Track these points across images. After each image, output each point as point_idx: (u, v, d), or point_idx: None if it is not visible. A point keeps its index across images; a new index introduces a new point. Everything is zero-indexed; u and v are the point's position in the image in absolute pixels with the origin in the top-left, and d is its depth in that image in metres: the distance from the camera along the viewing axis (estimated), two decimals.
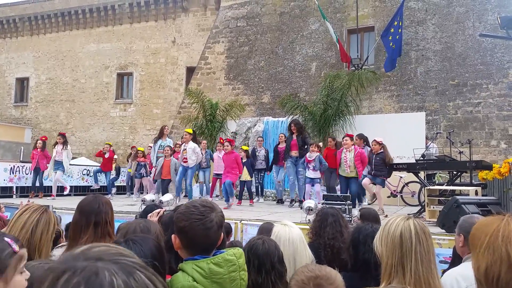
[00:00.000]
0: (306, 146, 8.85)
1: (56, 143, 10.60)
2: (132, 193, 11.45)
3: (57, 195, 10.47)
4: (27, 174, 10.96)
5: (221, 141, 10.06)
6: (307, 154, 8.51)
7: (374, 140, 8.62)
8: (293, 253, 2.39)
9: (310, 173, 8.39)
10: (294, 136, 8.98)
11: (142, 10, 22.17)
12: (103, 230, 2.24)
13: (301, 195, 8.89)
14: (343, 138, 8.45)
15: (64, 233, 4.12)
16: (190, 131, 9.56)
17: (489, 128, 13.51)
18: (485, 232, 1.16)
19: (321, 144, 10.06)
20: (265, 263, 1.95)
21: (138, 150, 11.59)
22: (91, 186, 11.82)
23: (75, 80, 23.41)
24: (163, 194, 9.66)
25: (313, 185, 8.50)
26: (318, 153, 8.50)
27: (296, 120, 9.80)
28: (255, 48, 17.81)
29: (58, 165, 10.42)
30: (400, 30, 14.14)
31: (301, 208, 8.51)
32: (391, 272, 1.69)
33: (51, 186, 10.76)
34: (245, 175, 9.69)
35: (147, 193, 10.85)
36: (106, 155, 11.64)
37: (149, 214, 2.97)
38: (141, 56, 22.16)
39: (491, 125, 13.48)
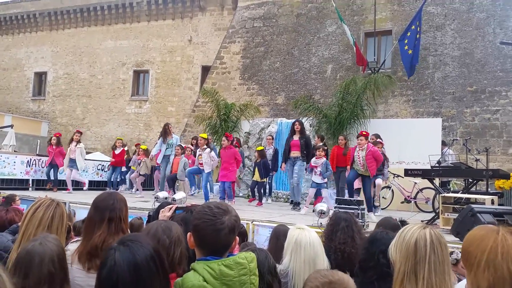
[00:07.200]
0: (307, 151, 8.56)
1: (72, 140, 10.67)
2: (137, 190, 11.20)
3: (74, 189, 10.60)
4: (43, 167, 11.11)
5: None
6: (312, 160, 8.17)
7: (380, 142, 8.56)
8: (314, 257, 2.38)
9: (317, 178, 8.07)
10: (296, 137, 8.66)
11: (160, 8, 22.35)
12: (117, 226, 2.26)
13: (298, 197, 8.71)
14: (357, 137, 8.11)
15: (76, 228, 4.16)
16: (205, 136, 9.56)
17: (507, 136, 13.27)
18: (482, 249, 1.10)
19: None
20: None
21: (140, 147, 11.45)
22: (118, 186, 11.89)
23: (92, 76, 23.70)
24: (167, 183, 10.01)
25: (319, 190, 8.29)
26: (324, 159, 8.19)
27: (301, 120, 9.56)
28: (271, 49, 17.79)
29: (73, 163, 10.48)
30: (418, 36, 13.94)
31: (293, 209, 8.47)
32: (403, 279, 1.67)
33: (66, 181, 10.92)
34: (256, 176, 9.67)
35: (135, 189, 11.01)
36: (117, 151, 11.65)
37: (161, 210, 2.99)
38: (157, 54, 22.33)
39: (510, 133, 13.23)
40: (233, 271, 1.60)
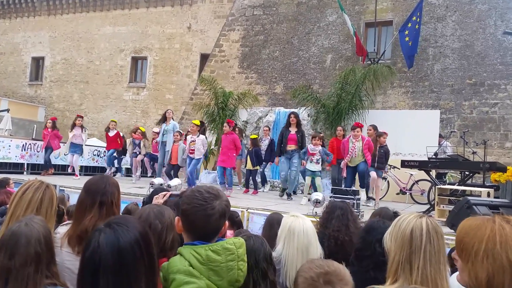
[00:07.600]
0: (302, 143, 8.58)
1: (74, 124, 10.45)
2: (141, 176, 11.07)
3: (67, 174, 10.56)
4: (38, 151, 11.05)
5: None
6: (309, 147, 8.16)
7: (385, 132, 8.52)
8: (307, 245, 2.37)
9: (312, 166, 8.03)
10: (293, 131, 8.64)
11: None
12: (108, 210, 2.21)
13: (292, 188, 8.74)
14: (353, 128, 8.17)
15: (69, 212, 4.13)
16: (198, 122, 9.42)
17: (504, 130, 13.26)
18: (479, 238, 1.06)
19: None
20: (248, 261, 1.82)
21: (139, 129, 11.23)
22: (107, 169, 11.72)
23: (90, 62, 23.52)
24: (170, 179, 9.71)
25: (313, 178, 8.28)
26: (321, 147, 8.16)
27: (296, 112, 9.51)
28: (271, 38, 17.65)
29: (76, 147, 10.31)
30: (417, 27, 13.85)
31: (287, 198, 8.48)
32: (397, 268, 1.64)
33: (62, 165, 10.89)
34: (249, 164, 9.62)
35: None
36: (111, 133, 11.40)
37: (155, 196, 2.95)
38: (156, 41, 22.14)
39: (507, 127, 13.23)
40: (220, 256, 1.57)
